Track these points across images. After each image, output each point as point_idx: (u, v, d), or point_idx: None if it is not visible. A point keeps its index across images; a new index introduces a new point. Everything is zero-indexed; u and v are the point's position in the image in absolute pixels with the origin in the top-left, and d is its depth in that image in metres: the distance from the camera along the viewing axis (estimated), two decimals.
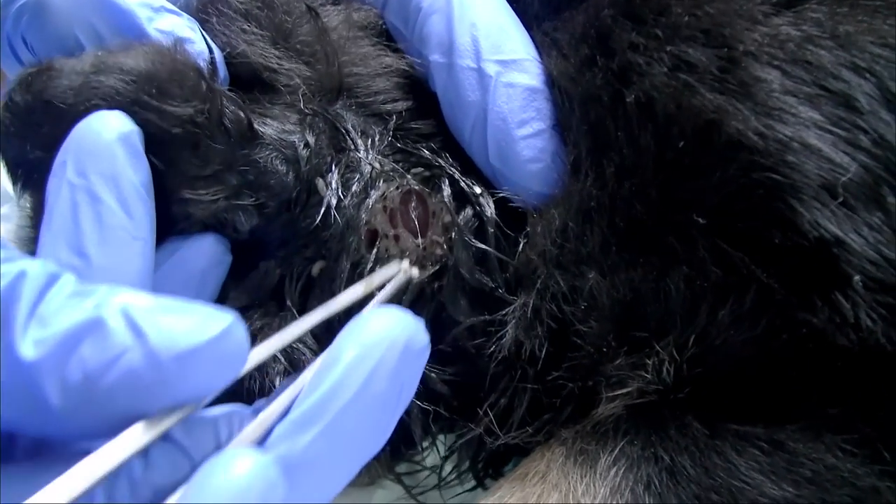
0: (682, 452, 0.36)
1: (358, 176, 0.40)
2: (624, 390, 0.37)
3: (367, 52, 0.43)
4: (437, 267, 0.40)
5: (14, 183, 0.39)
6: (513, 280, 0.40)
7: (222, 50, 0.42)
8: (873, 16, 0.36)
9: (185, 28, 0.42)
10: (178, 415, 0.27)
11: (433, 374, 0.40)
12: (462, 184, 0.41)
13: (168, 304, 0.27)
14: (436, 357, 0.40)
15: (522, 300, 0.39)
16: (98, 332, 0.26)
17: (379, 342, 0.27)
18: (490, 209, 0.40)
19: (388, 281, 0.37)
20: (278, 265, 0.39)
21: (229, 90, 0.41)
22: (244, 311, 0.39)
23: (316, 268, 0.40)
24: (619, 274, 0.36)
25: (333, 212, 0.39)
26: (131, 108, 0.35)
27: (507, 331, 0.39)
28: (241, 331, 0.27)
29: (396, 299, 0.39)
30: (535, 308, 0.38)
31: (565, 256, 0.38)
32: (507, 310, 0.39)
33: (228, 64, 0.42)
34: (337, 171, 0.39)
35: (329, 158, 0.40)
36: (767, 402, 0.36)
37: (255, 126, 0.39)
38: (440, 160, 0.41)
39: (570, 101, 0.39)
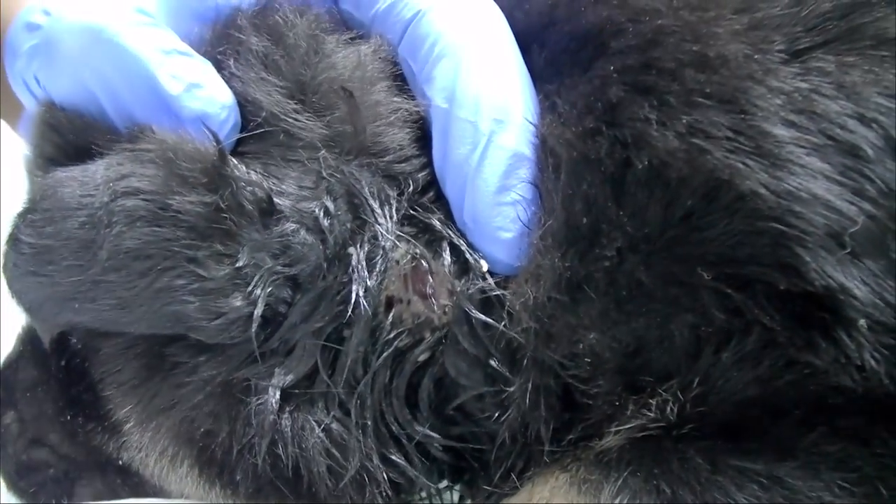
0: (684, 486, 0.37)
1: (381, 253, 0.40)
2: (628, 426, 0.38)
3: (380, 100, 0.43)
4: (444, 331, 0.41)
5: None
6: (507, 356, 0.40)
7: (236, 94, 0.43)
8: (881, 65, 0.37)
9: (196, 72, 0.42)
10: None
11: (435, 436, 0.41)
12: (467, 255, 0.41)
13: None
14: (442, 419, 0.41)
15: (521, 380, 0.39)
16: None
17: None
18: (490, 289, 0.41)
19: None
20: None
21: (240, 143, 0.42)
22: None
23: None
24: (621, 327, 0.37)
25: (362, 300, 0.39)
26: (155, 220, 0.37)
27: (510, 412, 0.39)
28: None
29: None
30: (535, 387, 0.39)
31: (554, 328, 0.38)
32: (507, 392, 0.40)
33: (241, 106, 0.43)
34: (361, 249, 0.40)
35: (348, 225, 0.40)
36: (768, 439, 0.37)
37: (275, 200, 0.40)
38: (448, 231, 0.41)
39: (557, 168, 0.39)
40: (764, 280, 0.35)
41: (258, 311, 0.38)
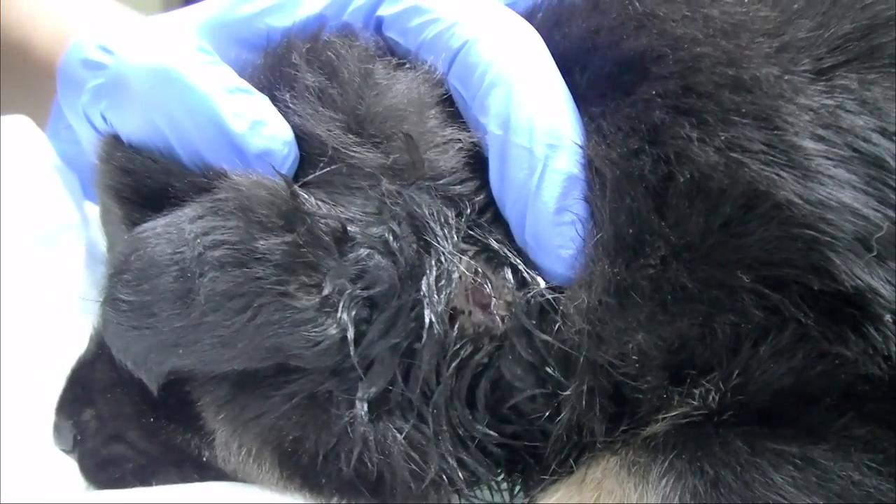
0: (725, 467, 0.41)
1: (445, 271, 0.43)
2: (673, 413, 0.42)
3: (433, 126, 0.46)
4: (502, 339, 0.44)
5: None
6: (562, 362, 0.43)
7: (294, 128, 0.46)
8: None
9: (258, 110, 0.45)
10: None
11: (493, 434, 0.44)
12: (524, 273, 0.44)
13: None
14: (498, 417, 0.45)
15: (576, 383, 0.42)
16: None
17: None
18: (545, 297, 0.44)
19: None
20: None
21: (302, 173, 0.45)
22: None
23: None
24: (666, 327, 0.41)
25: (433, 316, 0.43)
26: (243, 263, 0.41)
27: (564, 413, 0.43)
28: None
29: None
30: (590, 388, 0.42)
31: (605, 331, 0.42)
32: (561, 395, 0.43)
33: (298, 139, 0.45)
34: (428, 268, 0.43)
35: (414, 247, 0.43)
36: (802, 424, 0.41)
37: (348, 228, 0.43)
38: (506, 250, 0.45)
39: (603, 186, 0.42)
40: (799, 281, 0.39)
41: (351, 335, 0.42)
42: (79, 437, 0.51)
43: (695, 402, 0.42)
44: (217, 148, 0.45)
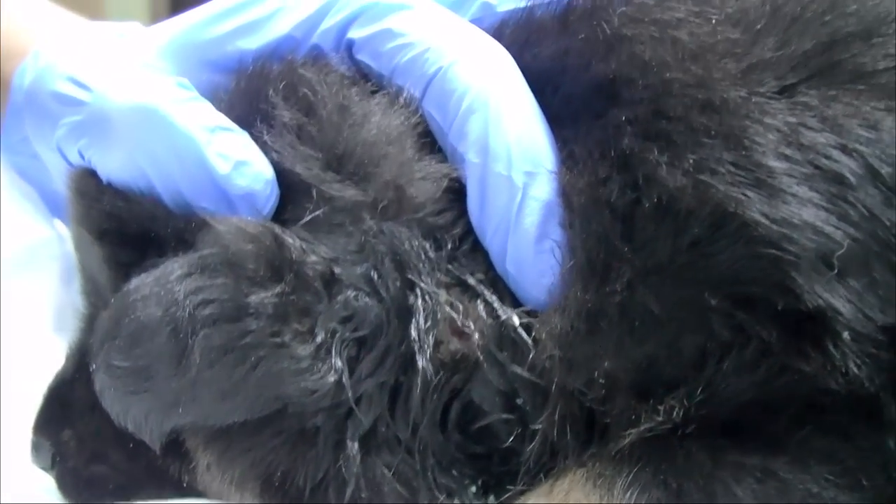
0: (688, 479, 0.41)
1: (428, 305, 0.43)
2: (638, 428, 0.42)
3: (411, 156, 0.45)
4: (473, 367, 0.44)
5: None
6: (532, 391, 0.43)
7: (272, 164, 0.45)
8: (859, 98, 0.41)
9: (241, 149, 0.44)
10: None
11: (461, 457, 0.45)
12: (499, 312, 0.44)
13: None
14: (468, 436, 0.45)
15: (548, 412, 0.43)
16: None
17: None
18: (523, 335, 0.44)
19: None
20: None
21: (281, 211, 0.44)
22: None
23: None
24: (633, 351, 0.41)
25: (420, 352, 0.43)
26: (236, 318, 0.41)
27: (535, 442, 0.43)
28: None
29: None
30: (562, 416, 0.42)
31: (575, 356, 0.42)
32: (536, 422, 0.43)
33: (277, 174, 0.45)
34: (413, 304, 0.43)
35: (398, 283, 0.43)
36: (763, 436, 0.41)
37: (335, 270, 0.42)
38: (482, 287, 0.44)
39: (573, 213, 0.43)
40: (764, 300, 0.39)
41: (346, 379, 0.42)
42: (58, 457, 0.51)
43: (660, 418, 0.42)
44: (200, 189, 0.44)
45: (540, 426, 0.43)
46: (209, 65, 0.50)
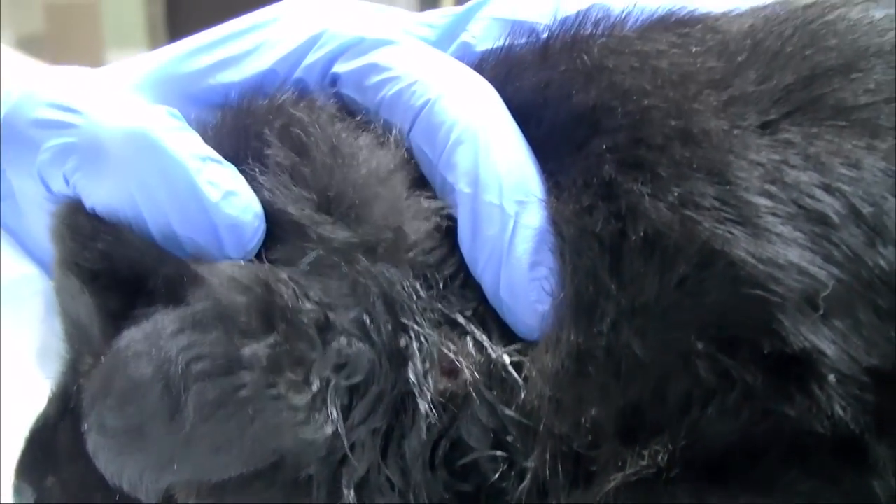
0: None
1: (422, 348, 0.42)
2: (623, 473, 0.41)
3: (400, 194, 0.44)
4: (462, 404, 0.43)
5: None
6: (523, 430, 0.43)
7: (263, 203, 0.44)
8: (840, 135, 0.41)
9: (230, 180, 0.43)
10: None
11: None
12: (489, 350, 0.43)
13: None
14: (454, 473, 0.43)
15: (539, 450, 0.42)
16: None
17: None
18: (513, 373, 0.43)
19: None
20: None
21: (269, 249, 0.43)
22: None
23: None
24: (619, 398, 0.40)
25: (417, 398, 0.42)
26: (229, 371, 0.39)
27: (525, 481, 0.42)
28: None
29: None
30: (553, 455, 0.41)
31: (565, 397, 0.41)
32: (526, 460, 0.42)
33: (267, 213, 0.44)
34: (406, 348, 0.42)
35: (389, 327, 0.42)
36: (748, 479, 0.41)
37: (329, 316, 0.41)
38: (472, 325, 0.44)
39: (563, 242, 0.42)
40: (750, 343, 0.38)
41: (342, 429, 0.40)
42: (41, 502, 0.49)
43: (644, 462, 0.41)
44: (189, 217, 0.43)
45: (532, 464, 0.42)
46: (190, 98, 0.48)
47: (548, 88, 0.45)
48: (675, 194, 0.39)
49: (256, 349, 0.40)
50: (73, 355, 0.49)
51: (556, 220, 0.42)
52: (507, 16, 0.49)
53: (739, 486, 0.41)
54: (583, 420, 0.40)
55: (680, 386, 0.39)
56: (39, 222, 0.48)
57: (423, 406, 0.41)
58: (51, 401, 0.50)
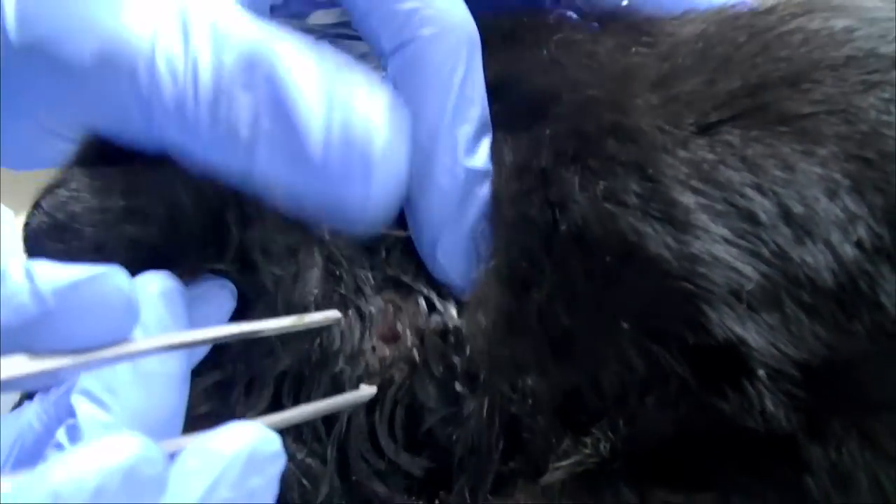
0: None
1: (362, 315, 0.45)
2: (568, 461, 0.43)
3: None
4: (414, 366, 0.46)
5: None
6: (468, 379, 0.45)
7: None
8: (779, 140, 0.42)
9: None
10: (67, 360, 0.32)
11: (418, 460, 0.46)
12: (435, 301, 0.46)
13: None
14: (412, 445, 0.46)
15: (478, 397, 0.44)
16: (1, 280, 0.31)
17: (220, 455, 0.31)
18: (456, 322, 0.46)
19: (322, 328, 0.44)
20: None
21: None
22: None
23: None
24: (556, 376, 0.42)
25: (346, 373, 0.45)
26: None
27: (470, 425, 0.44)
28: (122, 278, 0.32)
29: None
30: (491, 402, 0.43)
31: (500, 353, 0.43)
32: (468, 408, 0.45)
33: None
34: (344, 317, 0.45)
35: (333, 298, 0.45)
36: (688, 473, 0.41)
37: None
38: (419, 284, 0.47)
39: (501, 217, 0.45)
40: (676, 335, 0.39)
41: None
42: None
43: (588, 451, 0.42)
44: None
45: (472, 409, 0.44)
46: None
47: (508, 75, 0.48)
48: (601, 187, 0.41)
49: None
50: None
51: (498, 196, 0.45)
52: None
53: (680, 479, 0.41)
54: (519, 383, 0.42)
55: (612, 369, 0.41)
56: None
57: (343, 361, 0.44)
58: None
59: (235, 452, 0.31)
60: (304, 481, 0.45)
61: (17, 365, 0.31)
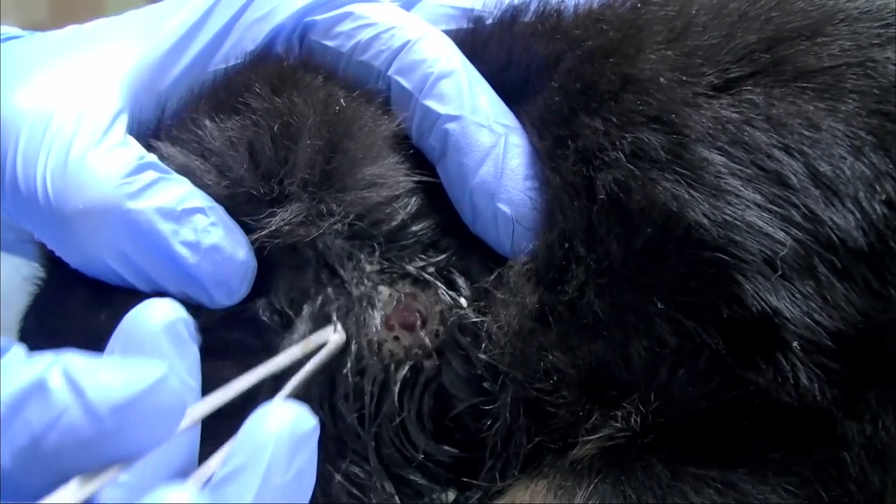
0: (647, 491, 0.41)
1: (360, 307, 0.43)
2: (598, 435, 0.41)
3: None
4: (436, 356, 0.44)
5: None
6: (492, 375, 0.43)
7: None
8: (802, 97, 0.40)
9: (211, 234, 0.42)
10: (113, 471, 0.29)
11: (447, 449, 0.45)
12: (447, 294, 0.44)
13: (106, 360, 0.29)
14: (440, 432, 0.44)
15: (504, 395, 0.42)
16: (41, 394, 0.28)
17: (267, 440, 0.30)
18: (473, 317, 0.44)
19: (323, 346, 0.42)
20: None
21: None
22: None
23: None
24: (582, 349, 0.41)
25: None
26: None
27: (499, 422, 0.43)
28: (175, 381, 0.29)
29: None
30: (515, 399, 0.42)
31: (525, 350, 0.42)
32: (496, 402, 0.43)
33: None
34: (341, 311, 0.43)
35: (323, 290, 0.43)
36: (721, 448, 0.40)
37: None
38: (424, 273, 0.44)
39: (542, 165, 0.43)
40: (710, 308, 0.38)
41: None
42: None
43: (618, 424, 0.41)
44: (173, 280, 0.42)
45: (499, 405, 0.43)
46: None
47: (511, 51, 0.47)
48: (629, 140, 0.40)
49: None
50: None
51: (542, 156, 0.44)
52: (450, 3, 0.50)
53: (713, 454, 0.40)
54: (541, 365, 0.41)
55: (643, 344, 0.39)
56: None
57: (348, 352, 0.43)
58: None
59: (278, 435, 0.31)
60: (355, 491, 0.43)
61: (70, 494, 0.28)
